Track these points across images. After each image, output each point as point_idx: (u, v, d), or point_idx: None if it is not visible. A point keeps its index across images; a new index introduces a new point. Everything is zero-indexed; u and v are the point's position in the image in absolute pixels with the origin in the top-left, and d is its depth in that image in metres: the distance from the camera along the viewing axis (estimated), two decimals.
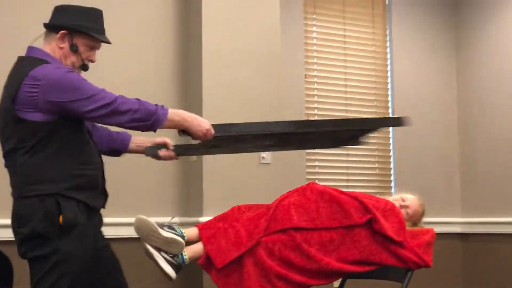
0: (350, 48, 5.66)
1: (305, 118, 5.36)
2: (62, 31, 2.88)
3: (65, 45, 2.89)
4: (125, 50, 4.50)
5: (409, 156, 5.78)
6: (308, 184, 3.58)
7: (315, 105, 5.47)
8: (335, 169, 5.51)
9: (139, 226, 3.16)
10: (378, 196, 3.77)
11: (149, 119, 2.84)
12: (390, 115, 5.77)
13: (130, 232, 3.32)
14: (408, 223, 3.66)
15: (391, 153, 5.77)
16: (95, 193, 2.91)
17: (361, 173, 5.63)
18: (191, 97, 4.64)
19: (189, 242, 3.28)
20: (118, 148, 3.25)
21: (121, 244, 4.23)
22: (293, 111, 5.26)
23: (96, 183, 2.91)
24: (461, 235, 5.87)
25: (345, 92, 5.60)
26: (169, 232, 3.17)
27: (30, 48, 2.91)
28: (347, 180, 5.52)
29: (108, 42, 2.99)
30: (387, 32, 5.84)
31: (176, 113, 2.94)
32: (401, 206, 3.69)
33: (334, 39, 5.60)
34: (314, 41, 5.51)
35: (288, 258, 3.25)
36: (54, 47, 2.90)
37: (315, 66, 5.50)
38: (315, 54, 5.50)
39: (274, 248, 3.26)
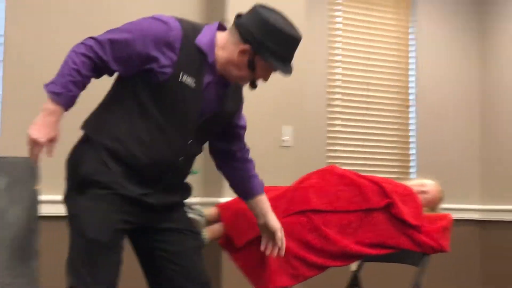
0: (374, 34, 5.67)
1: (327, 102, 5.38)
2: (246, 47, 2.63)
3: (243, 58, 2.65)
4: None
5: (430, 142, 5.80)
6: (328, 167, 3.62)
7: (337, 90, 5.49)
8: (355, 153, 5.54)
9: None
10: (397, 181, 3.80)
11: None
12: (411, 102, 5.78)
13: None
14: (426, 209, 3.69)
15: (411, 139, 5.78)
16: (136, 179, 2.64)
17: (382, 158, 5.66)
18: None
19: (209, 222, 3.33)
20: (239, 193, 3.14)
21: None
22: (315, 94, 5.29)
23: (142, 171, 2.64)
24: (479, 222, 5.88)
25: (367, 77, 5.62)
26: (189, 212, 3.23)
27: (208, 26, 2.72)
28: (368, 165, 5.55)
29: (288, 74, 2.71)
30: (411, 18, 5.84)
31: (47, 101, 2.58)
32: (420, 192, 3.72)
33: (358, 25, 5.61)
34: (338, 26, 5.52)
35: (306, 239, 3.30)
36: (229, 48, 2.66)
37: (338, 51, 5.51)
38: (339, 39, 5.51)
39: (293, 229, 3.31)
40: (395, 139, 5.74)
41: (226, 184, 4.42)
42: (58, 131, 2.55)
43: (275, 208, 3.31)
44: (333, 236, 3.32)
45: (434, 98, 5.85)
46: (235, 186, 3.11)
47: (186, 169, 2.82)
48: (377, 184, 3.45)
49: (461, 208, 5.75)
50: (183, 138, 2.69)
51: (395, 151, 5.74)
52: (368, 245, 3.39)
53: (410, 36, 5.84)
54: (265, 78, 2.74)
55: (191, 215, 3.19)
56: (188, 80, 2.61)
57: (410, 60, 5.82)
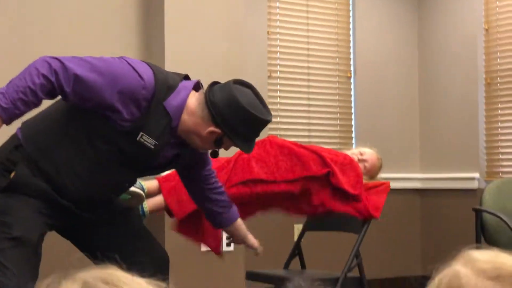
0: (313, 5, 5.67)
1: (267, 75, 5.39)
2: (217, 130, 2.55)
3: (210, 137, 2.58)
4: (87, 20, 4.45)
5: (370, 112, 5.85)
6: (268, 137, 3.63)
7: (278, 62, 5.49)
8: (297, 124, 5.57)
9: None
10: (338, 150, 3.84)
11: None
12: (352, 73, 5.82)
13: None
14: (366, 177, 3.74)
15: (353, 110, 5.83)
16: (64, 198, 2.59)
17: (323, 129, 5.69)
18: (153, 60, 4.61)
19: (149, 195, 3.32)
20: (213, 222, 3.08)
21: None
22: (255, 67, 5.28)
23: (70, 196, 2.58)
24: (419, 191, 5.99)
25: (308, 49, 5.63)
26: None
27: (183, 85, 2.58)
28: (309, 136, 5.58)
29: (250, 152, 2.70)
30: None
31: None
32: (359, 160, 3.76)
33: None
34: None
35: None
36: (197, 121, 2.56)
37: (277, 23, 5.51)
38: (278, 10, 5.51)
39: (235, 202, 3.32)
40: (336, 110, 5.78)
41: None
42: None
43: None
44: (276, 206, 3.35)
45: (373, 68, 5.90)
46: (208, 216, 3.05)
47: (116, 199, 2.81)
48: (317, 153, 3.48)
49: (402, 177, 5.83)
50: (123, 182, 2.70)
51: (337, 121, 5.78)
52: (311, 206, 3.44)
53: (350, 7, 5.86)
54: (226, 149, 2.71)
55: (132, 188, 3.18)
56: (147, 140, 2.51)
57: (350, 32, 5.85)
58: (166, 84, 2.52)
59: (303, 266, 3.89)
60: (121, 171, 2.61)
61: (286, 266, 3.86)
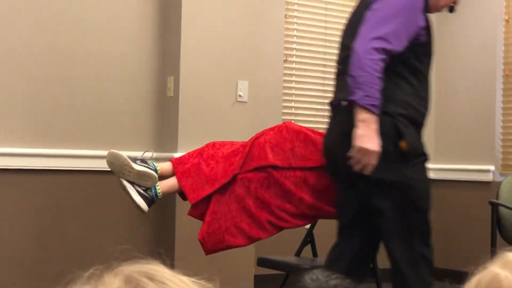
0: None
1: (283, 58, 5.33)
2: None
3: None
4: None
5: None
6: (284, 123, 3.57)
7: (294, 46, 5.43)
8: (312, 110, 5.51)
9: (112, 160, 3.15)
10: None
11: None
12: None
13: (105, 165, 3.27)
14: None
15: None
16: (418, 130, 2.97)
17: None
18: (169, 40, 4.56)
19: (163, 177, 3.27)
20: None
21: (95, 176, 4.22)
22: (271, 50, 5.22)
23: (422, 122, 2.97)
24: (433, 182, 5.90)
25: (325, 34, 5.57)
26: (142, 165, 3.17)
27: None
28: (324, 123, 5.51)
29: None
30: None
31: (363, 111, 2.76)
32: None
33: None
34: None
35: (263, 197, 3.25)
36: None
37: (295, 7, 5.44)
38: None
39: (251, 186, 3.26)
40: None
41: (181, 139, 4.39)
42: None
43: (231, 164, 3.26)
44: (292, 191, 3.27)
45: None
46: None
47: None
48: None
49: None
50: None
51: None
52: (325, 202, 3.36)
53: None
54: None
55: (144, 169, 3.14)
56: (431, 35, 2.96)
57: None
58: None
59: (314, 254, 3.86)
60: (429, 79, 3.03)
61: (298, 253, 3.83)
